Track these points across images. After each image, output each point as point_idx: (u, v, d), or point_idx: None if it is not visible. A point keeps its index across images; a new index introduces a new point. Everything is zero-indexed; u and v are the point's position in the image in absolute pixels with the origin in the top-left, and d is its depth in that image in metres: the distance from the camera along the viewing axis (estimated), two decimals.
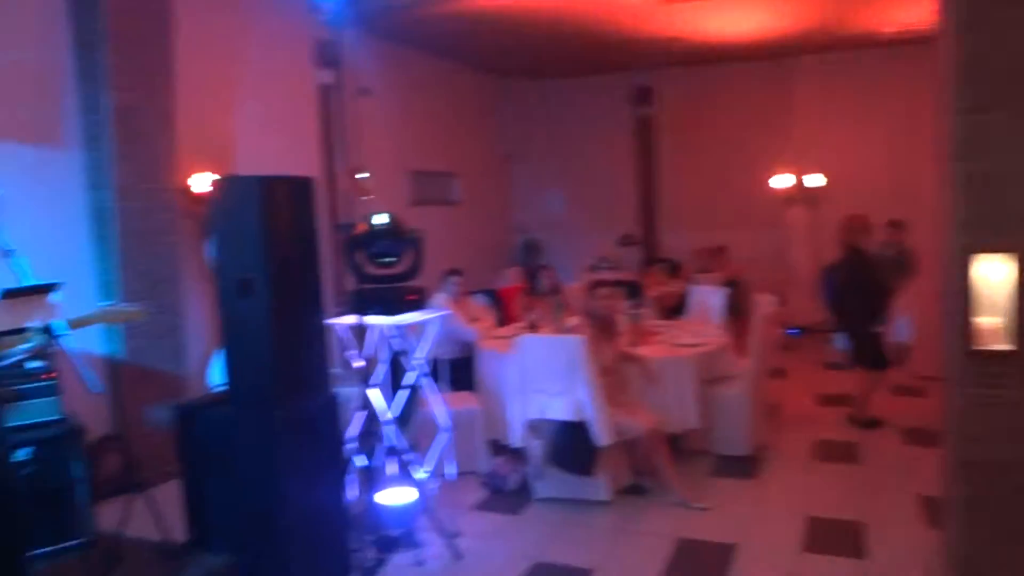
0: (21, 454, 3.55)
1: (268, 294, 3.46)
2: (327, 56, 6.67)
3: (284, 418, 3.48)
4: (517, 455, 4.97)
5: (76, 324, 2.85)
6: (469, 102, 10.30)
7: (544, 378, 4.57)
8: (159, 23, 5.22)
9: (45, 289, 2.59)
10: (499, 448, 5.23)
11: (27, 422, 3.60)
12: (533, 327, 5.73)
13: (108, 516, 3.83)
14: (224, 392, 3.67)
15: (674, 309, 7.39)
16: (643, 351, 5.14)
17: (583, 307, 4.99)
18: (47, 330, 2.55)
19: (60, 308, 2.66)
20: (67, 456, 3.69)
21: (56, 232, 4.81)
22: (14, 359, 2.72)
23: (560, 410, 4.48)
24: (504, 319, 6.95)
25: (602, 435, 4.39)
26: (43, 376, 3.68)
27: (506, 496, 4.81)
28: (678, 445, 5.14)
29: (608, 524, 4.38)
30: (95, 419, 4.67)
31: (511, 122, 11.08)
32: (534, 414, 4.62)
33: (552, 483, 4.69)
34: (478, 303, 6.64)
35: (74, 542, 3.62)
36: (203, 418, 3.65)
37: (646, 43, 8.61)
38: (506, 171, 11.16)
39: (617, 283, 6.02)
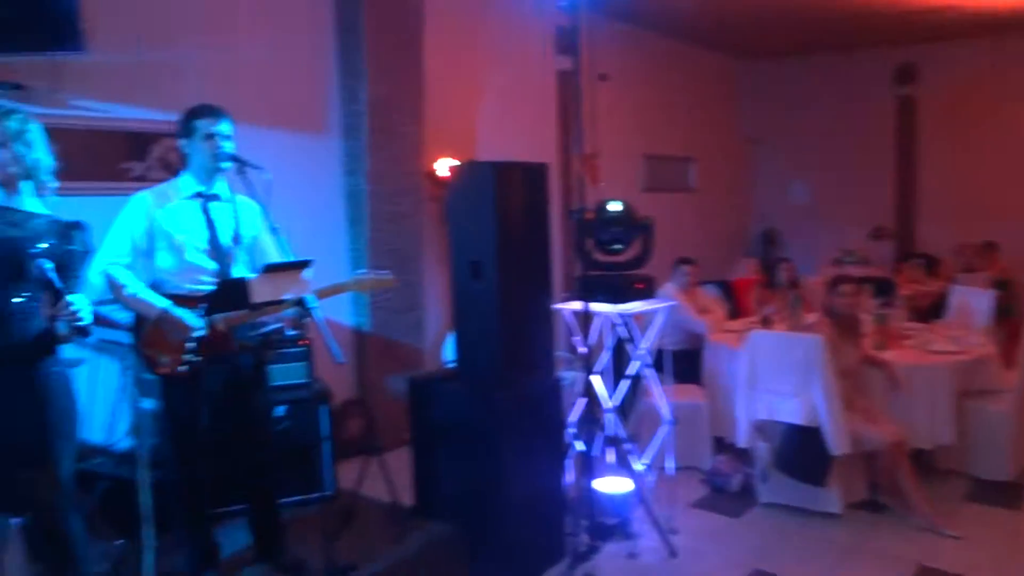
0: (277, 411, 3.95)
1: (498, 277, 3.57)
2: (566, 42, 6.72)
3: (508, 398, 3.58)
4: (742, 455, 4.77)
5: (325, 294, 3.11)
6: (708, 84, 9.97)
7: (775, 377, 4.32)
8: (412, 18, 5.52)
9: (300, 265, 2.84)
10: (723, 446, 5.04)
11: (282, 383, 4.00)
12: (767, 322, 5.45)
13: (347, 474, 4.15)
14: (454, 369, 3.85)
15: (930, 311, 6.69)
16: (890, 355, 4.70)
17: (823, 304, 4.66)
18: (301, 303, 2.79)
19: (313, 283, 2.90)
20: (315, 416, 4.05)
21: (315, 213, 5.26)
22: (274, 327, 3.01)
23: (791, 413, 4.22)
24: (736, 312, 6.68)
25: (837, 443, 4.08)
26: (298, 343, 4.07)
27: (727, 497, 4.63)
28: (925, 462, 4.67)
29: (838, 539, 4.08)
30: (341, 384, 5.09)
31: (753, 105, 10.58)
32: (762, 414, 4.39)
33: (778, 488, 4.44)
34: (709, 294, 6.43)
35: (316, 495, 3.98)
36: (435, 392, 3.85)
37: (912, 13, 7.80)
38: (747, 156, 10.69)
39: (864, 280, 5.56)
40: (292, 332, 4.04)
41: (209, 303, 2.95)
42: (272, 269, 2.82)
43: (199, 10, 4.68)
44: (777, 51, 9.97)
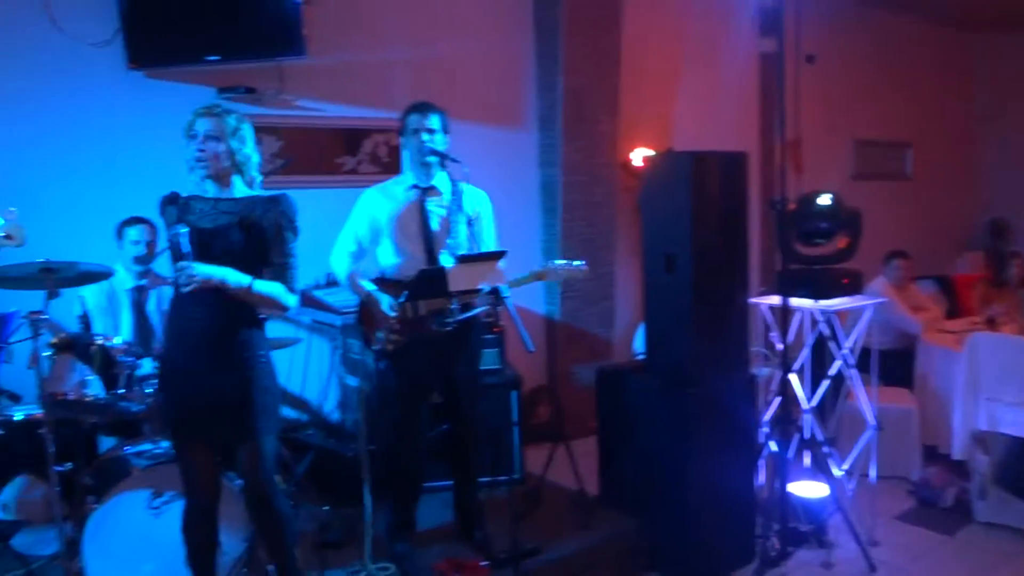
0: None
1: (691, 270, 3.49)
2: (770, 24, 6.42)
3: (699, 394, 3.51)
4: (956, 467, 4.38)
5: (520, 283, 3.20)
6: (931, 61, 9.11)
7: (1000, 385, 3.93)
8: (610, 8, 5.50)
9: (495, 256, 2.94)
10: (934, 456, 4.65)
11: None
12: (992, 323, 4.96)
13: (534, 459, 4.24)
14: (644, 361, 3.82)
15: None
16: None
17: None
18: (494, 292, 2.89)
19: (506, 273, 3.00)
20: (506, 402, 4.17)
21: (511, 204, 5.37)
22: (475, 312, 3.14)
23: (1018, 424, 3.82)
24: (956, 311, 6.12)
25: None
26: (492, 330, 4.20)
27: (937, 512, 4.27)
28: None
29: None
30: (530, 371, 5.20)
31: (985, 84, 9.57)
32: (983, 425, 4.00)
33: (999, 507, 4.03)
34: (925, 291, 5.94)
35: (505, 477, 4.09)
36: (623, 384, 3.84)
37: None
38: (975, 140, 9.71)
39: None
40: (486, 320, 4.20)
41: (410, 289, 3.12)
42: (467, 259, 2.94)
43: (408, 14, 4.92)
44: (1016, 22, 8.93)
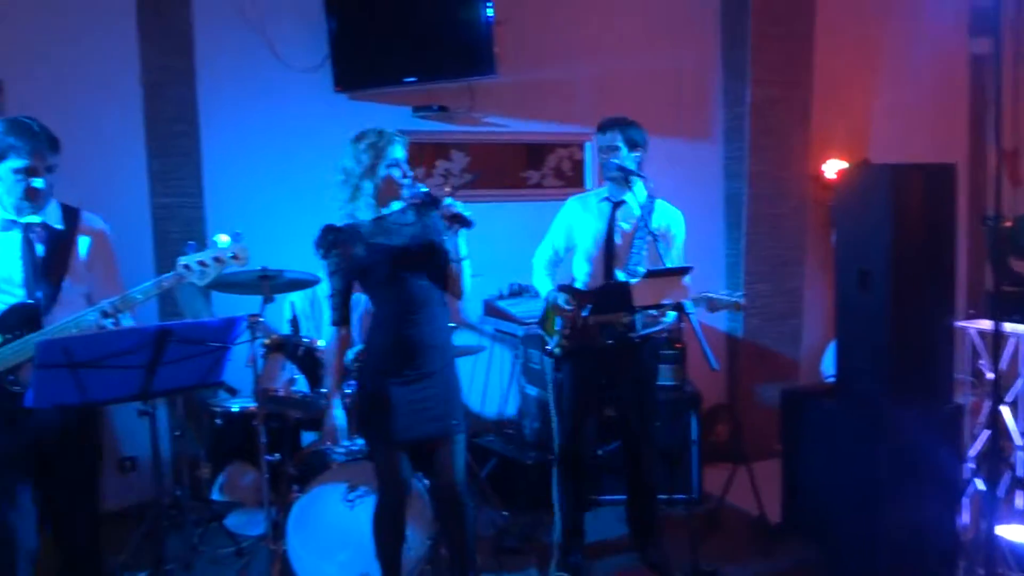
0: None
1: (889, 288, 3.28)
2: (984, 22, 5.92)
3: (895, 422, 3.29)
4: None
5: (696, 302, 3.15)
6: None
7: None
8: (802, 14, 5.29)
9: (680, 272, 2.92)
10: None
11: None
12: None
13: (712, 479, 4.14)
14: (833, 384, 3.63)
15: None
16: None
17: None
18: (679, 308, 2.87)
19: (689, 289, 2.96)
20: (685, 419, 4.10)
21: (692, 219, 5.26)
22: (656, 328, 3.13)
23: None
24: None
25: None
26: (674, 346, 4.15)
27: None
28: None
29: None
30: (710, 389, 5.08)
31: None
32: None
33: None
34: None
35: (683, 496, 4.03)
36: (811, 407, 3.67)
37: None
38: None
39: None
40: (667, 335, 4.17)
41: (594, 301, 3.16)
42: (653, 274, 2.94)
43: (594, 31, 4.97)
44: None
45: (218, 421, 3.42)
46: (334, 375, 2.78)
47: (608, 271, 3.26)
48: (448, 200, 2.61)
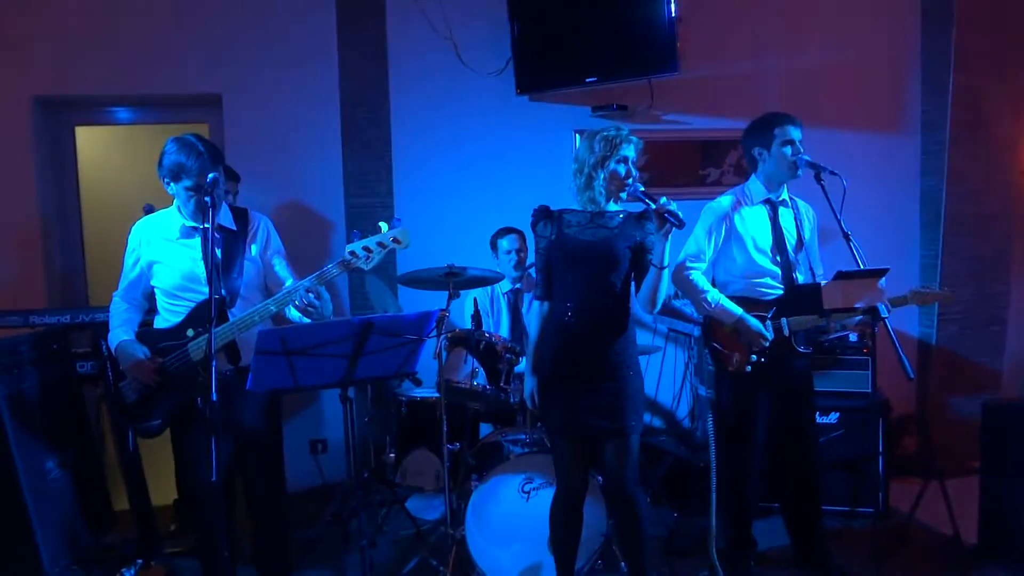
0: (830, 418, 3.91)
1: None
2: None
3: None
4: None
5: (892, 304, 2.98)
6: None
7: None
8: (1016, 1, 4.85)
9: (877, 273, 2.79)
10: None
11: (840, 390, 3.93)
12: None
13: (898, 494, 3.91)
14: None
15: None
16: None
17: None
18: (872, 311, 2.75)
19: (885, 292, 2.82)
20: (871, 428, 3.90)
21: (883, 217, 5.00)
22: (839, 334, 3.01)
23: None
24: None
25: None
26: (862, 351, 3.95)
27: None
28: None
29: None
30: (899, 398, 4.80)
31: None
32: None
33: None
34: None
35: (865, 509, 3.83)
36: (1017, 421, 3.40)
37: None
38: None
39: None
40: (855, 339, 3.98)
41: (777, 307, 3.07)
42: (846, 276, 2.82)
43: (779, 22, 4.82)
44: None
45: (404, 409, 3.63)
46: (533, 346, 2.90)
47: (786, 275, 3.14)
48: (663, 199, 2.63)
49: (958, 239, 4.97)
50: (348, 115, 4.45)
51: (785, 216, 3.23)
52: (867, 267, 2.84)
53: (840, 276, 2.82)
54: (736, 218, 3.22)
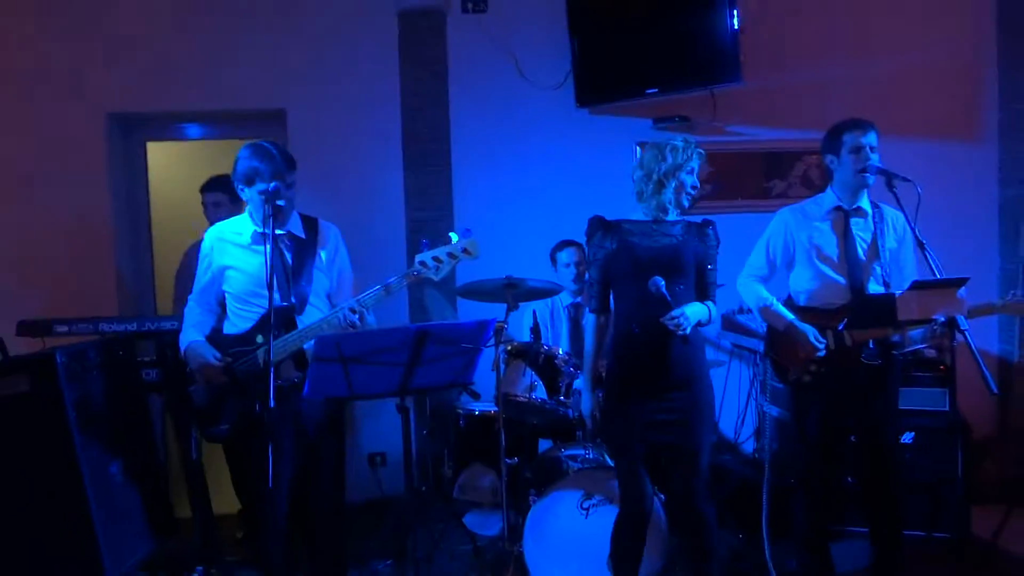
0: (905, 438, 3.72)
1: None
2: None
3: None
4: None
5: (972, 314, 2.84)
6: None
7: None
8: None
9: (956, 283, 2.66)
10: None
11: (917, 408, 3.75)
12: None
13: (980, 521, 3.70)
14: None
15: None
16: None
17: None
18: (952, 323, 2.62)
19: (965, 302, 2.69)
20: (949, 449, 3.70)
21: (959, 228, 4.80)
22: (916, 347, 2.87)
23: None
24: None
25: None
26: (939, 367, 3.76)
27: None
28: None
29: None
30: (980, 418, 4.59)
31: None
32: None
33: None
34: None
35: (943, 535, 3.64)
36: None
37: None
38: None
39: None
40: (931, 354, 3.80)
41: (849, 317, 2.95)
42: (923, 286, 2.69)
43: (847, 26, 4.69)
44: None
45: (461, 423, 3.60)
46: (590, 360, 2.85)
47: (854, 286, 3.02)
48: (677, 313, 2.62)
49: None
50: (409, 129, 4.48)
51: (859, 225, 3.12)
52: (944, 276, 2.70)
53: (916, 286, 2.70)
54: (797, 229, 3.17)
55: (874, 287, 3.05)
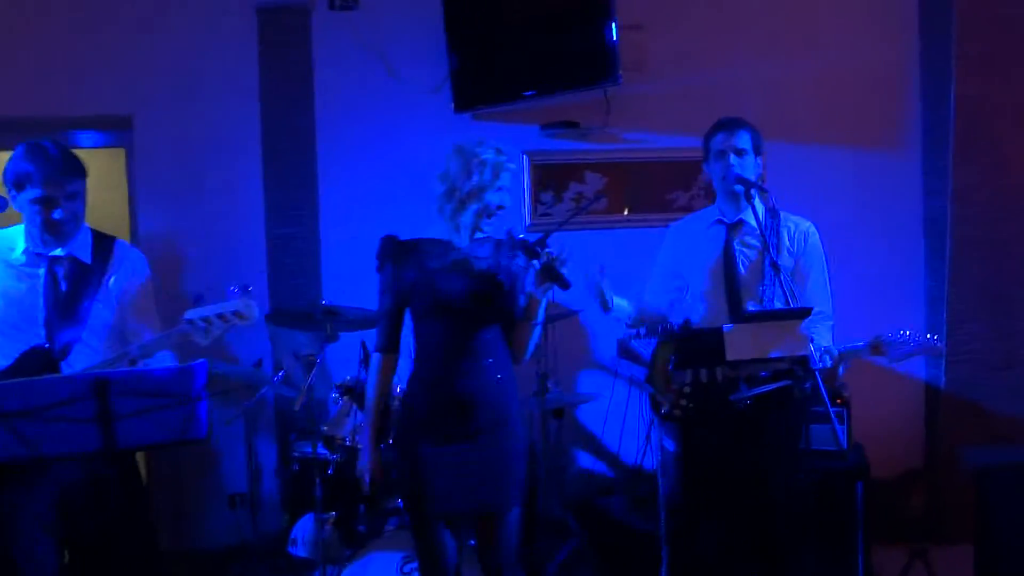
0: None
1: None
2: None
3: None
4: None
5: (844, 357, 2.46)
6: None
7: None
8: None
9: (796, 315, 2.25)
10: None
11: (808, 447, 3.34)
12: None
13: (889, 563, 3.33)
14: None
15: None
16: None
17: None
18: (803, 362, 2.23)
19: (808, 339, 2.28)
20: (849, 492, 3.31)
21: (882, 244, 4.46)
22: (755, 391, 2.47)
23: None
24: None
25: None
26: (836, 401, 3.37)
27: None
28: None
29: None
30: (903, 452, 4.23)
31: None
32: None
33: None
34: None
35: None
36: (1010, 480, 2.82)
37: None
38: None
39: None
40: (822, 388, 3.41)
41: (676, 354, 2.54)
42: (754, 318, 2.30)
43: (757, 29, 4.33)
44: None
45: (295, 467, 3.19)
46: (371, 412, 2.42)
47: (734, 310, 2.64)
48: (552, 252, 2.21)
49: (969, 268, 4.37)
50: (270, 136, 4.06)
51: (742, 240, 2.75)
52: (785, 307, 2.30)
53: (747, 318, 2.29)
54: (685, 243, 2.88)
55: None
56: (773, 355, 2.24)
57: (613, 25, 3.72)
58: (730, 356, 2.29)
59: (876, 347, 2.50)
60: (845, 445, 2.07)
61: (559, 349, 3.79)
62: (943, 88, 4.33)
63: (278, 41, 4.04)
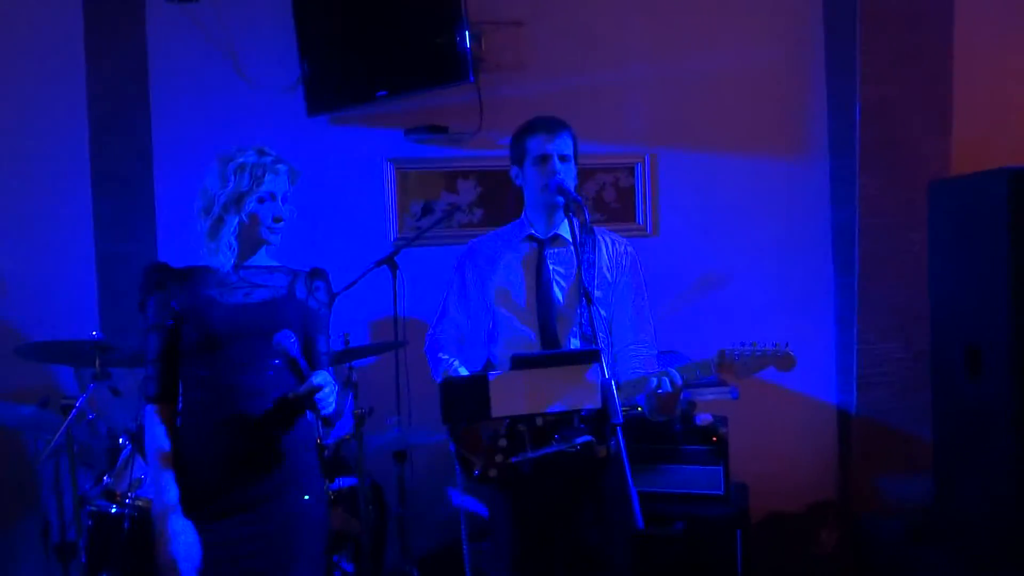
0: (674, 528, 2.94)
1: (1012, 376, 2.06)
2: None
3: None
4: None
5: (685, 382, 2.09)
6: None
7: None
8: None
9: (581, 358, 1.81)
10: None
11: (683, 491, 2.97)
12: None
13: None
14: (931, 517, 2.40)
15: None
16: None
17: None
18: (600, 416, 1.83)
19: (597, 387, 1.85)
20: (727, 542, 2.94)
21: (788, 257, 4.13)
22: (545, 451, 2.08)
23: None
24: None
25: None
26: (711, 439, 2.99)
27: None
28: None
29: None
30: (816, 481, 3.99)
31: None
32: None
33: None
34: None
35: None
36: (886, 553, 2.47)
37: None
38: None
39: None
40: (705, 419, 3.05)
41: (442, 408, 2.05)
42: (528, 363, 1.87)
43: (646, 25, 3.99)
44: None
45: (89, 522, 2.73)
46: (159, 467, 1.96)
47: (547, 342, 2.24)
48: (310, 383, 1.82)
49: (878, 283, 4.04)
50: (99, 139, 3.63)
51: (556, 258, 2.37)
52: (570, 348, 1.91)
53: (518, 364, 1.86)
54: (477, 268, 2.44)
55: (576, 343, 2.28)
56: (552, 410, 1.81)
57: (464, 21, 3.35)
58: (495, 412, 1.85)
59: (720, 363, 2.14)
60: (641, 525, 1.61)
61: (411, 383, 3.33)
62: (849, 90, 4.02)
63: (107, 31, 3.63)
